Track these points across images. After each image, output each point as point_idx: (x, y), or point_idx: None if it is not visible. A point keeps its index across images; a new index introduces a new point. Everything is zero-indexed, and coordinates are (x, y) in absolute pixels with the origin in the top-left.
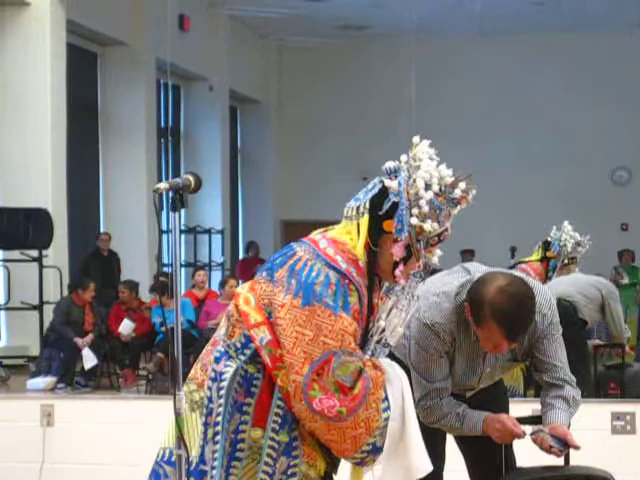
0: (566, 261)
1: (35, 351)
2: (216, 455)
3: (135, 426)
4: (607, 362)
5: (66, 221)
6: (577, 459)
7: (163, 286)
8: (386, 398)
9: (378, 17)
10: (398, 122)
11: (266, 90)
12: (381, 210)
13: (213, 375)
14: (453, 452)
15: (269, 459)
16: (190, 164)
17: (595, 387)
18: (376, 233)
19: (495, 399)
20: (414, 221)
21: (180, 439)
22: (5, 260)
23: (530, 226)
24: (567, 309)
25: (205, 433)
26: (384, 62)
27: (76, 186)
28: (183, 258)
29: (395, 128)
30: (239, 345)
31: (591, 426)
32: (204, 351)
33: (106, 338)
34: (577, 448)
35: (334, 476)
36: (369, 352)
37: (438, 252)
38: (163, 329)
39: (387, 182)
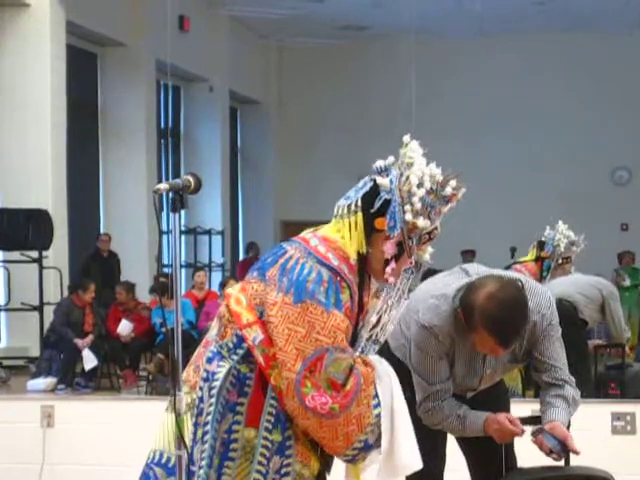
0: (560, 261)
1: (35, 352)
2: (204, 455)
3: (135, 427)
4: (607, 362)
5: (66, 222)
6: (577, 459)
7: (163, 287)
8: (376, 395)
9: (378, 18)
10: (398, 123)
11: (266, 91)
12: (372, 208)
13: (205, 375)
14: (454, 452)
15: (262, 459)
16: (190, 165)
17: (595, 387)
18: (368, 231)
19: (496, 399)
20: (408, 217)
21: (180, 439)
22: (5, 261)
23: (530, 226)
24: (568, 309)
25: (195, 433)
26: (384, 62)
27: (76, 187)
28: (183, 259)
29: (395, 129)
30: (231, 345)
31: (591, 426)
32: (196, 353)
33: (106, 339)
34: (576, 453)
35: (327, 476)
36: (359, 349)
37: (430, 249)
38: (163, 330)
39: (379, 179)
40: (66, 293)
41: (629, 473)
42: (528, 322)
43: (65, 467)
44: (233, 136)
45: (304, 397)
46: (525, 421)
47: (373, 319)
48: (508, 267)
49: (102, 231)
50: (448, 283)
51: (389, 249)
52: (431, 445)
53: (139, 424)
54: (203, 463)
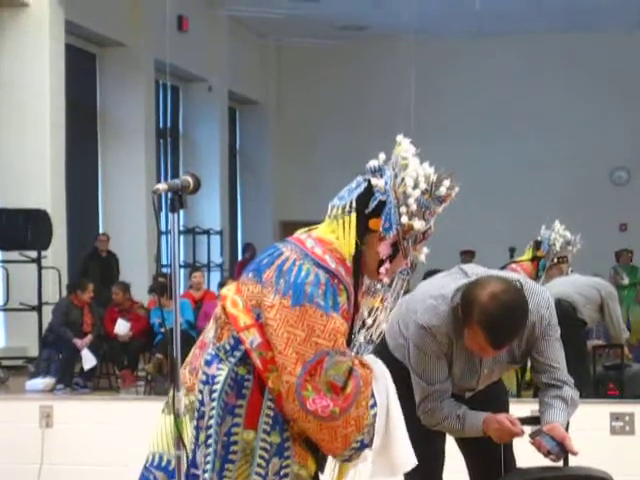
0: (556, 260)
1: (34, 352)
2: (208, 459)
3: (134, 427)
4: (606, 363)
5: (65, 222)
6: (576, 460)
7: (162, 287)
8: (372, 395)
9: (377, 17)
10: (397, 123)
11: (265, 91)
12: (367, 208)
13: (204, 378)
14: (453, 452)
15: (261, 460)
16: (189, 165)
17: (594, 388)
18: (362, 232)
19: (495, 399)
20: (404, 219)
21: (180, 440)
22: (4, 261)
23: (530, 227)
24: (566, 309)
25: (197, 437)
26: (383, 63)
27: (75, 187)
28: (182, 259)
29: (394, 129)
30: (228, 347)
31: (590, 427)
32: (191, 355)
33: (105, 339)
34: (574, 454)
35: (320, 476)
36: (354, 349)
37: (425, 250)
38: (162, 330)
39: (374, 180)
40: (65, 293)
41: (628, 473)
42: (524, 328)
43: (64, 467)
44: (232, 136)
45: (305, 400)
46: (524, 421)
47: (369, 320)
48: (504, 267)
49: (101, 231)
50: (446, 284)
51: (384, 250)
52: (430, 445)
53: (137, 424)
54: (207, 467)
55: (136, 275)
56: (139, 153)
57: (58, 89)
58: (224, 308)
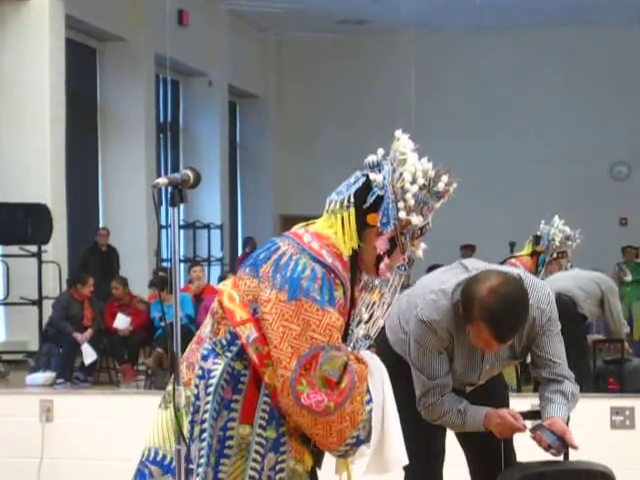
0: (555, 255)
1: (34, 346)
2: (202, 453)
3: (134, 421)
4: (606, 357)
5: (65, 216)
6: (576, 454)
7: (162, 281)
8: (368, 390)
9: (377, 11)
10: (397, 117)
11: (265, 85)
12: (365, 204)
13: (200, 373)
14: (453, 446)
15: (257, 455)
16: (189, 159)
17: (594, 382)
18: (360, 227)
19: (495, 394)
20: (402, 215)
21: (180, 434)
22: (4, 255)
23: (530, 221)
24: (567, 304)
25: (192, 431)
26: (383, 57)
27: (75, 181)
28: (182, 253)
29: (394, 123)
30: (225, 342)
31: (590, 421)
32: (188, 350)
33: (105, 333)
34: (575, 448)
35: (318, 471)
36: (351, 345)
37: (422, 245)
38: (162, 324)
39: (372, 175)
40: (65, 287)
41: (628, 468)
42: (526, 319)
43: (64, 461)
44: (232, 130)
45: (299, 395)
46: (525, 416)
47: (365, 315)
48: (503, 262)
49: (101, 225)
50: (447, 279)
51: (381, 245)
52: (430, 441)
53: (138, 418)
54: (202, 461)
55: (136, 269)
56: (139, 147)
57: (58, 83)
58: (221, 303)
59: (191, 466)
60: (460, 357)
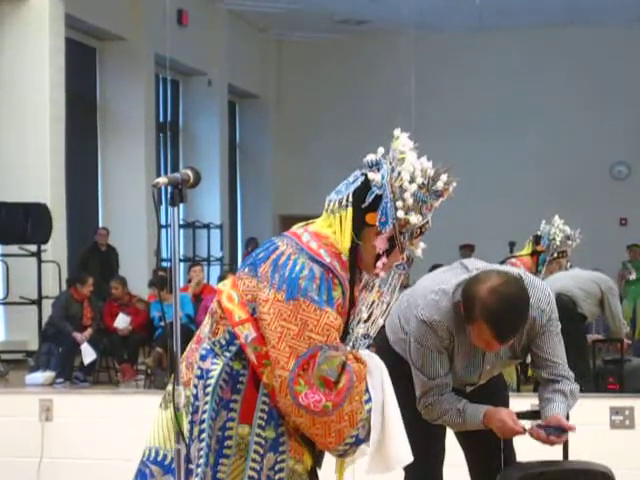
0: (555, 255)
1: (34, 346)
2: (202, 453)
3: (134, 421)
4: (606, 357)
5: (65, 216)
6: (576, 454)
7: (162, 280)
8: (367, 390)
9: (377, 12)
10: (397, 117)
11: (265, 85)
12: (364, 203)
13: (199, 373)
14: (453, 447)
15: (256, 455)
16: (189, 159)
17: (594, 382)
18: (359, 226)
19: (495, 393)
20: (400, 214)
21: (179, 434)
22: (4, 255)
23: (529, 221)
24: (566, 304)
25: (191, 431)
26: (383, 57)
27: (75, 181)
28: (182, 253)
29: (394, 123)
30: (224, 342)
31: (590, 421)
32: (188, 350)
33: (105, 333)
34: (572, 429)
35: (318, 470)
36: (350, 344)
37: (421, 245)
38: (162, 324)
39: (370, 175)
40: (65, 287)
41: (628, 467)
42: (527, 318)
43: (63, 461)
44: (232, 130)
45: (297, 395)
46: (524, 416)
47: (364, 315)
48: (503, 261)
49: (101, 225)
50: (447, 279)
51: (380, 244)
52: (430, 440)
53: (137, 418)
54: (201, 461)
55: (136, 269)
56: (139, 147)
57: (58, 83)
58: (220, 302)
59: (191, 466)
60: (461, 357)
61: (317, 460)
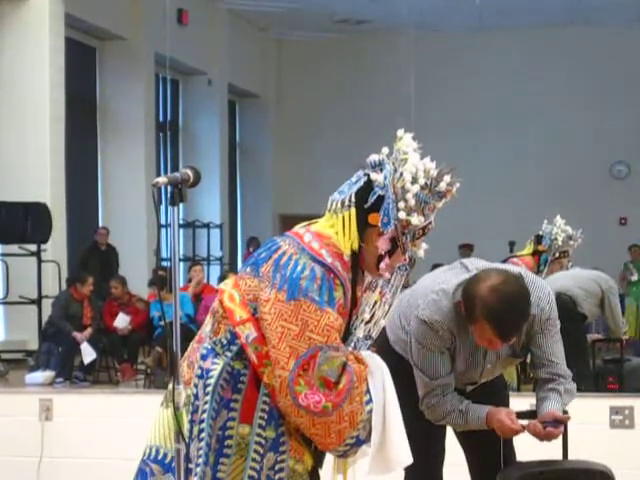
0: (557, 255)
1: (34, 345)
2: (201, 452)
3: (133, 420)
4: (605, 356)
5: (65, 215)
6: (575, 453)
7: (162, 280)
8: (368, 391)
9: (377, 11)
10: (397, 117)
11: (265, 84)
12: (366, 203)
13: (199, 372)
14: (453, 446)
15: (256, 455)
16: (189, 158)
17: (594, 381)
18: (361, 226)
19: (496, 394)
20: (402, 215)
21: (179, 433)
22: (4, 254)
23: (529, 220)
24: (567, 303)
25: (191, 430)
26: (383, 56)
27: (75, 180)
28: (182, 252)
29: (394, 123)
30: (225, 342)
31: (589, 420)
32: (190, 349)
33: (105, 332)
34: (566, 419)
35: (319, 470)
36: (352, 345)
37: (424, 245)
38: (162, 323)
39: (373, 175)
40: (64, 286)
41: (627, 467)
42: (529, 316)
43: (63, 460)
44: (232, 130)
45: (297, 395)
46: (522, 415)
47: (367, 315)
48: (505, 261)
49: (100, 224)
50: (448, 279)
51: (382, 245)
52: (430, 440)
53: (137, 417)
54: (200, 460)
55: (136, 269)
56: (139, 146)
57: (58, 82)
58: (221, 302)
59: (190, 465)
60: (462, 356)
61: (318, 460)
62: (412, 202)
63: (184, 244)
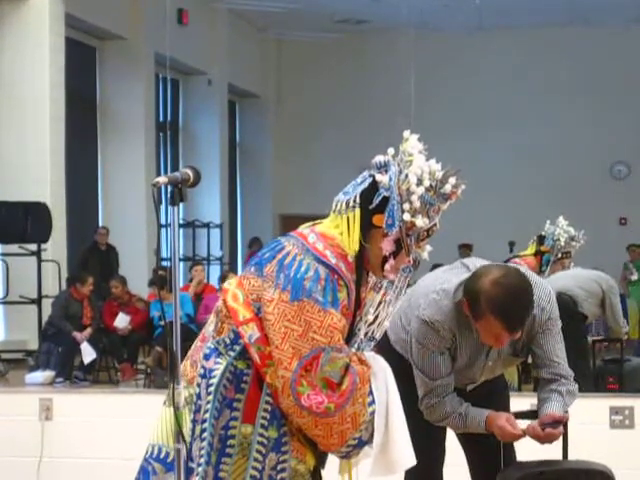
0: (559, 255)
1: (34, 345)
2: (203, 452)
3: (133, 420)
4: (606, 356)
5: (65, 215)
6: (575, 453)
7: (162, 280)
8: (371, 392)
9: (377, 11)
10: (397, 117)
11: (265, 84)
12: (371, 204)
13: (202, 372)
14: (453, 447)
15: (258, 455)
16: (189, 158)
17: (594, 381)
18: (366, 227)
19: (496, 393)
20: (406, 217)
21: (179, 433)
22: (4, 254)
23: (528, 220)
24: (567, 303)
25: (193, 430)
26: (383, 56)
27: (75, 180)
28: (182, 252)
29: (394, 123)
30: (228, 341)
31: (589, 420)
32: (193, 347)
33: (104, 332)
34: (564, 419)
35: (322, 471)
36: (355, 346)
37: (428, 247)
38: (162, 323)
39: (378, 177)
40: (64, 286)
41: (628, 467)
42: (533, 307)
43: (63, 460)
44: (232, 129)
45: (300, 396)
46: (523, 415)
47: (370, 317)
48: (507, 261)
49: (100, 224)
50: (449, 278)
51: (387, 246)
52: (431, 440)
53: (137, 417)
54: (202, 460)
55: (136, 268)
56: (139, 146)
57: (58, 82)
58: (225, 302)
59: (192, 465)
60: (463, 355)
61: (321, 460)
62: (417, 204)
63: (184, 244)
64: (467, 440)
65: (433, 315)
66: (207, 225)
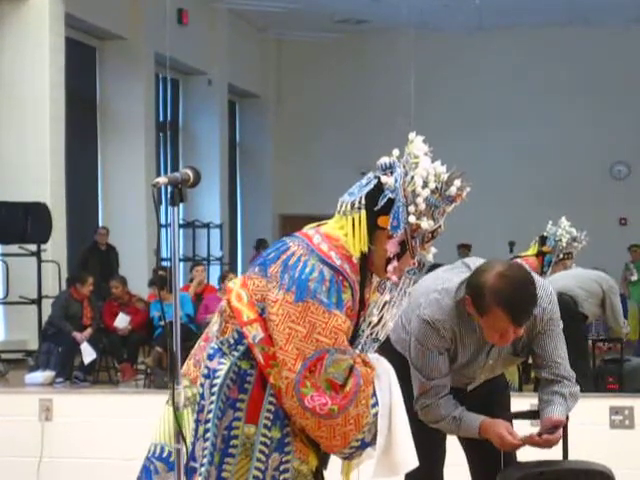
0: (561, 256)
1: (34, 345)
2: (205, 452)
3: (133, 420)
4: (605, 357)
5: (65, 215)
6: (575, 453)
7: (162, 280)
8: (374, 394)
9: (377, 11)
10: (397, 117)
11: (265, 84)
12: (376, 206)
13: (206, 372)
14: (453, 447)
15: (261, 455)
16: (189, 158)
17: (594, 381)
18: (371, 229)
19: (496, 393)
20: (412, 219)
21: (179, 434)
22: (4, 254)
23: (528, 220)
24: (568, 303)
25: (196, 430)
26: (383, 56)
27: (75, 180)
28: (182, 252)
29: (394, 123)
30: (232, 341)
31: (589, 421)
32: (196, 347)
33: (104, 332)
34: (561, 422)
35: (324, 471)
36: (359, 347)
37: (433, 249)
38: (162, 323)
39: (384, 178)
40: (64, 286)
41: (628, 467)
42: (537, 298)
43: (63, 460)
44: (232, 130)
45: (303, 397)
46: (523, 416)
47: (374, 318)
48: None
49: (100, 224)
50: (450, 278)
51: (392, 248)
52: (431, 440)
53: (137, 417)
54: (205, 460)
55: (136, 268)
56: (139, 146)
57: (58, 82)
58: (229, 302)
59: (195, 465)
60: (464, 354)
61: (323, 461)
62: (422, 206)
63: (184, 244)
64: (467, 440)
65: (434, 314)
66: (207, 225)
